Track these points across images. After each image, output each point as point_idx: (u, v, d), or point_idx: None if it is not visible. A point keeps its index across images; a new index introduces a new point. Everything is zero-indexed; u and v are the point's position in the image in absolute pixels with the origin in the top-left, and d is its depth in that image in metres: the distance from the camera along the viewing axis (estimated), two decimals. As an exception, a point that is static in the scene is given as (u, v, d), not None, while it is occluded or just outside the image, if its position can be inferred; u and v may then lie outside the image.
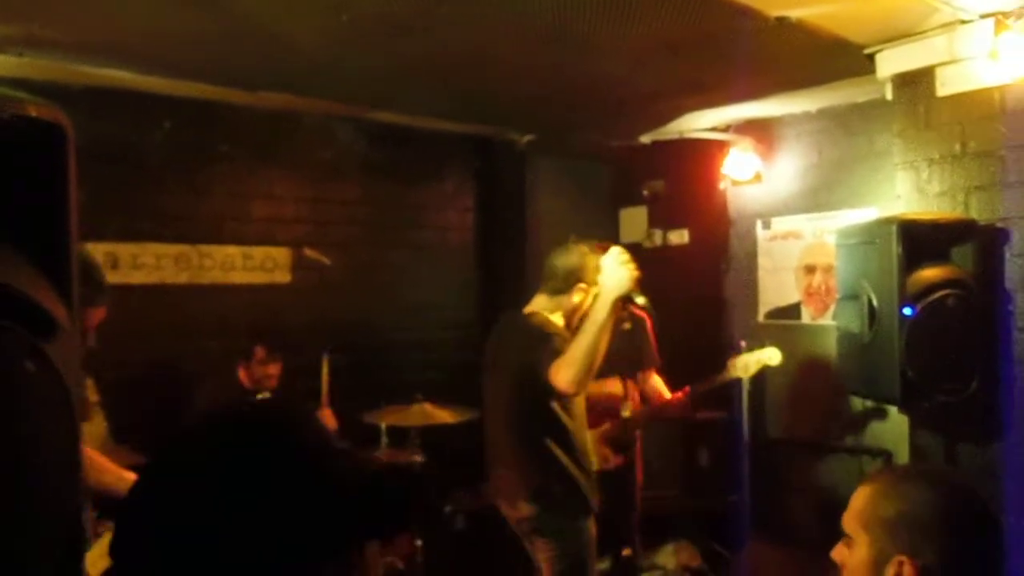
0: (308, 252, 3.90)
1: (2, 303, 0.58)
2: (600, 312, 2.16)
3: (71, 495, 0.62)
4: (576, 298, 2.33)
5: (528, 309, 2.39)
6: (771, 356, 3.21)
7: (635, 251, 3.34)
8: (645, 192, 4.65)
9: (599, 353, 2.15)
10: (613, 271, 2.20)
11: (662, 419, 3.29)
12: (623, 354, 3.07)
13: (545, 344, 2.19)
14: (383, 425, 3.39)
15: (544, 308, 2.37)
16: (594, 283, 2.28)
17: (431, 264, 4.27)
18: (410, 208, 4.41)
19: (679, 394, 3.16)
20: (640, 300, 2.28)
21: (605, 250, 2.29)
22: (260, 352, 3.35)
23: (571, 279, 2.33)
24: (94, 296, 1.90)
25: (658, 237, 4.64)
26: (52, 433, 0.61)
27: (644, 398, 3.23)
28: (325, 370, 3.15)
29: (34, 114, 0.62)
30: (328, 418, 3.13)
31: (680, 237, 4.58)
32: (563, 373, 2.10)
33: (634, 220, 4.73)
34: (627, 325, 2.41)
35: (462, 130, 4.32)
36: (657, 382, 3.33)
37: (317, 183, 4.03)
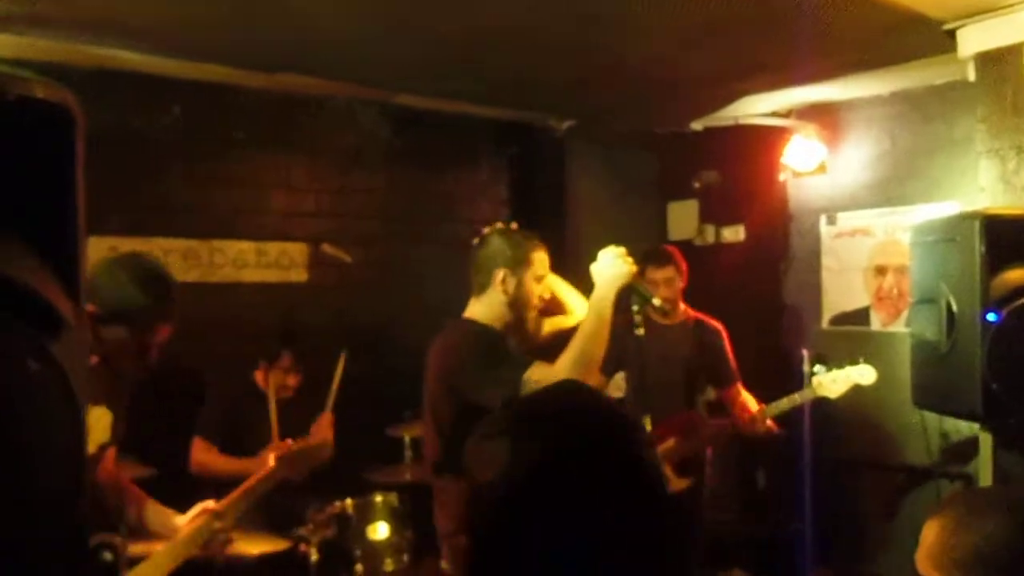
0: (327, 248, 3.92)
1: (4, 297, 0.59)
2: (596, 309, 2.15)
3: (74, 500, 0.63)
4: (506, 287, 2.28)
5: (463, 316, 2.37)
6: (864, 374, 3.18)
7: (685, 249, 3.61)
8: (696, 184, 4.68)
9: (595, 356, 2.14)
10: (610, 264, 2.19)
11: (735, 437, 3.27)
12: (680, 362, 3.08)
13: (481, 357, 2.16)
14: (407, 437, 3.38)
15: (477, 314, 2.32)
16: (524, 265, 2.26)
17: (462, 262, 3.78)
18: (439, 200, 4.37)
19: (752, 411, 3.17)
20: (656, 302, 2.27)
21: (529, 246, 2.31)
22: (287, 359, 3.36)
23: (489, 266, 2.29)
24: (166, 311, 1.90)
25: (711, 234, 4.67)
26: (56, 436, 0.62)
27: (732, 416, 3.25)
28: (339, 370, 3.10)
29: (41, 95, 0.63)
30: (325, 426, 3.06)
31: (735, 234, 4.62)
32: (551, 378, 2.03)
33: (684, 215, 4.77)
34: (640, 330, 2.28)
35: (496, 115, 4.31)
36: (747, 399, 3.33)
37: (338, 173, 4.02)
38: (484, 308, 2.27)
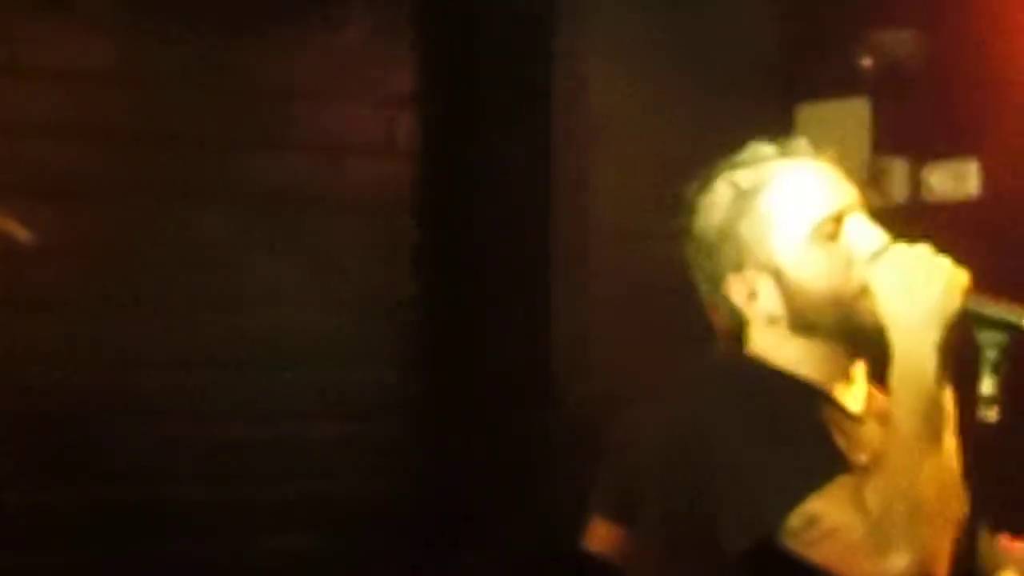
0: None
1: None
2: (915, 383, 1.35)
3: None
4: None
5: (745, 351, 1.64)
6: None
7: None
8: (864, 62, 3.23)
9: (944, 487, 1.37)
10: (918, 271, 1.39)
11: None
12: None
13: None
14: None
15: (768, 346, 1.55)
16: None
17: (310, 245, 3.15)
18: (253, 99, 3.07)
19: None
20: None
21: None
22: None
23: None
24: None
25: (899, 179, 3.22)
26: None
27: None
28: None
29: None
30: None
31: (957, 181, 3.20)
32: (867, 561, 1.31)
33: (834, 135, 3.09)
34: (992, 412, 1.42)
35: None
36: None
37: (15, 43, 2.90)
38: (778, 338, 1.57)
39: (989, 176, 3.03)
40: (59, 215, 2.74)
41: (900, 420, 1.31)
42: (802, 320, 1.39)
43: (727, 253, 1.42)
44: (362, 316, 3.11)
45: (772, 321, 1.40)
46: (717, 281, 1.43)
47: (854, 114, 3.27)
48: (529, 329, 2.84)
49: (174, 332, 2.91)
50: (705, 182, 1.46)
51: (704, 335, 1.64)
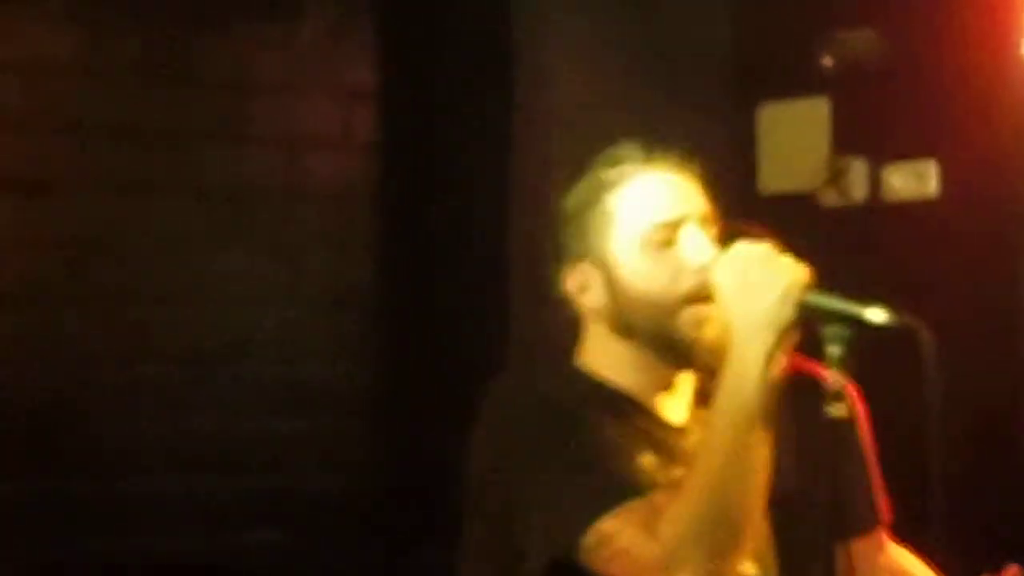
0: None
1: None
2: (739, 388, 1.36)
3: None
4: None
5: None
6: None
7: (798, 215, 3.16)
8: (826, 61, 3.27)
9: (740, 510, 1.39)
10: (755, 272, 1.41)
11: None
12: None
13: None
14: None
15: (592, 347, 1.57)
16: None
17: (269, 238, 3.19)
18: (212, 92, 3.12)
19: None
20: (878, 316, 1.44)
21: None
22: None
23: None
24: None
25: (859, 178, 3.26)
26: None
27: None
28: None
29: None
30: None
31: (916, 181, 3.22)
32: (657, 557, 1.34)
33: (795, 134, 3.41)
34: (841, 407, 1.45)
35: None
36: (903, 560, 2.23)
37: None
38: (603, 343, 1.59)
39: (948, 176, 3.05)
40: (17, 208, 2.76)
41: (714, 432, 1.35)
42: (623, 321, 1.40)
43: (570, 244, 1.44)
44: (322, 309, 3.12)
45: (597, 318, 1.41)
46: (558, 271, 1.45)
47: (814, 113, 3.26)
48: (489, 322, 2.83)
49: (133, 325, 2.92)
50: (580, 176, 1.48)
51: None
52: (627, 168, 1.44)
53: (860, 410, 2.27)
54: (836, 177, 3.15)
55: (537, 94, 3.13)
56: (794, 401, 2.25)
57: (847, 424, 2.18)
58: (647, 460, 1.36)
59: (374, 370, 3.12)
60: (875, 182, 3.12)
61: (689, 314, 1.38)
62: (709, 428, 1.34)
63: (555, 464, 1.36)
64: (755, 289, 1.32)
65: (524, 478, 1.39)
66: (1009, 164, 2.98)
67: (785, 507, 1.97)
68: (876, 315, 1.35)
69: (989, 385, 3.05)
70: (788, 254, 1.36)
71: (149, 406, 2.88)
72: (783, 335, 1.30)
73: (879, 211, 3.13)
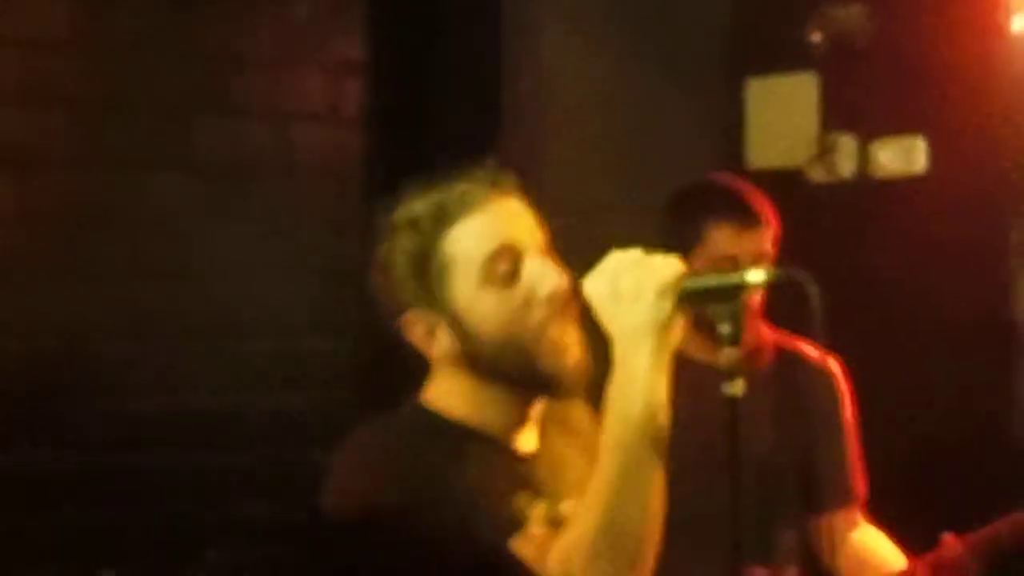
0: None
1: None
2: (623, 404, 1.31)
3: None
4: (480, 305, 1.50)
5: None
6: None
7: (785, 190, 3.01)
8: (814, 37, 3.29)
9: (637, 521, 1.33)
10: (625, 280, 1.36)
11: None
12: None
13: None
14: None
15: (443, 389, 1.51)
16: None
17: (260, 212, 3.18)
18: (203, 66, 3.12)
19: (937, 556, 2.10)
20: (758, 276, 1.45)
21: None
22: None
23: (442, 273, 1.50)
24: None
25: (847, 155, 3.28)
26: None
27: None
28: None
29: None
30: None
31: (904, 157, 3.26)
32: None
33: (783, 110, 3.46)
34: (737, 387, 1.38)
35: None
36: (871, 539, 2.36)
37: None
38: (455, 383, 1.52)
39: (936, 152, 3.09)
40: (9, 183, 2.77)
41: (604, 457, 1.28)
42: (479, 363, 1.33)
43: (405, 296, 1.37)
44: (314, 284, 3.13)
45: (448, 362, 1.34)
46: (397, 316, 1.39)
47: (803, 89, 3.30)
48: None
49: (126, 301, 2.93)
50: (401, 211, 1.38)
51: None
52: (449, 208, 1.34)
53: (843, 389, 2.27)
54: (824, 153, 3.18)
55: (528, 66, 3.15)
56: (777, 373, 2.17)
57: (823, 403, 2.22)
58: (516, 498, 1.31)
59: (368, 344, 3.04)
60: (863, 158, 3.15)
61: (548, 344, 1.32)
62: (600, 448, 1.28)
63: (442, 504, 1.31)
64: (627, 297, 1.28)
65: (421, 513, 1.32)
66: (997, 140, 3.00)
67: (761, 474, 2.01)
68: (756, 276, 1.37)
69: (978, 357, 3.11)
70: (657, 252, 1.34)
71: (141, 381, 2.88)
72: (664, 335, 1.26)
73: (867, 187, 3.16)
